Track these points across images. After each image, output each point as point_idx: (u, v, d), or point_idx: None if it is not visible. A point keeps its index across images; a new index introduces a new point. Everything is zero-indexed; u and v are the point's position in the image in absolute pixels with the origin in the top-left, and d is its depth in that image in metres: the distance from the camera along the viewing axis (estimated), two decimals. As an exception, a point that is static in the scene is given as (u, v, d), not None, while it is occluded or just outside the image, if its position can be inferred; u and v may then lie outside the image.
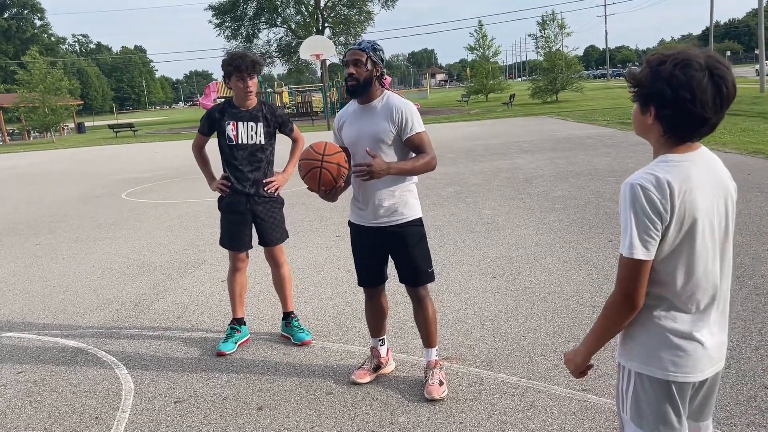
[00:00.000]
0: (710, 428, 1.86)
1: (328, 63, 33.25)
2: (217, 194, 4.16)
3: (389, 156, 3.19)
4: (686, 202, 1.61)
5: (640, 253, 1.61)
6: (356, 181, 3.31)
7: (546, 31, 37.23)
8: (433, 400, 3.25)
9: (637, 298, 1.65)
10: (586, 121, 21.11)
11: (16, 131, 43.16)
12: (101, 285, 5.89)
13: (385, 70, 3.27)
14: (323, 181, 3.12)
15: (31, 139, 40.05)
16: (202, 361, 4.01)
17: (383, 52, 3.26)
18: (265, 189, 4.06)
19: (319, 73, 44.68)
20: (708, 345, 1.70)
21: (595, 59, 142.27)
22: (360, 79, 3.17)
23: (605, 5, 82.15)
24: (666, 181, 1.60)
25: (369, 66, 3.17)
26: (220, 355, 4.05)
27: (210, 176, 4.22)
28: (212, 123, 4.05)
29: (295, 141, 4.31)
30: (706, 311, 1.70)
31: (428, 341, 3.43)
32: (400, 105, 3.20)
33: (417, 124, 3.20)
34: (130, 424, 3.25)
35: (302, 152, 3.19)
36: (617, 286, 1.67)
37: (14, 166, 20.81)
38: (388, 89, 3.33)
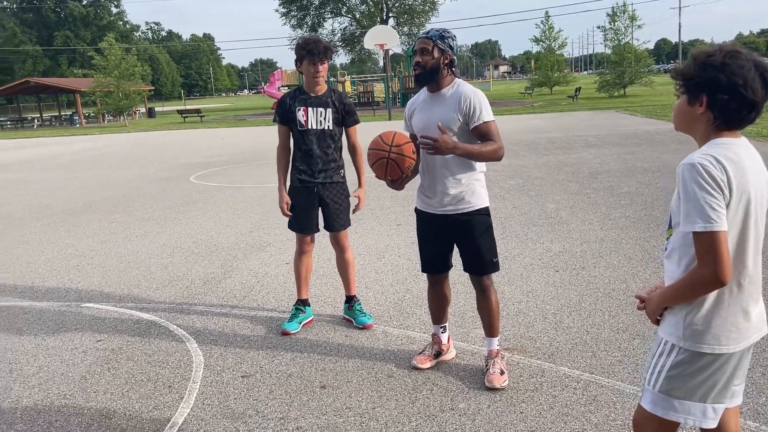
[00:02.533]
0: (741, 394, 1.95)
1: (391, 53, 33.26)
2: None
3: None
4: (740, 180, 1.71)
5: (716, 225, 1.66)
6: (424, 169, 3.35)
7: (616, 23, 36.16)
8: (493, 389, 3.27)
9: (725, 273, 1.68)
10: (655, 116, 20.44)
11: (92, 115, 45.14)
12: (172, 263, 6.14)
13: (455, 57, 3.28)
14: (390, 171, 3.17)
15: (105, 122, 41.82)
16: (267, 338, 4.14)
17: (454, 40, 3.27)
18: (353, 212, 4.27)
19: (381, 63, 44.75)
20: (753, 315, 1.81)
21: (666, 53, 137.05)
22: (426, 67, 3.20)
23: (680, -4, 78.82)
24: (722, 160, 1.70)
25: (435, 54, 3.19)
26: (285, 334, 4.17)
27: (281, 187, 4.24)
28: (285, 110, 4.15)
29: (353, 148, 4.27)
30: (750, 284, 1.80)
31: (490, 330, 3.45)
32: (469, 93, 3.20)
33: (485, 113, 3.19)
34: (200, 395, 3.41)
35: (371, 142, 3.23)
36: (702, 264, 1.71)
37: (91, 148, 21.81)
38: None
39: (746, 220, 1.74)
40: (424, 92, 3.36)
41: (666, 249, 1.92)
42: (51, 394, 3.50)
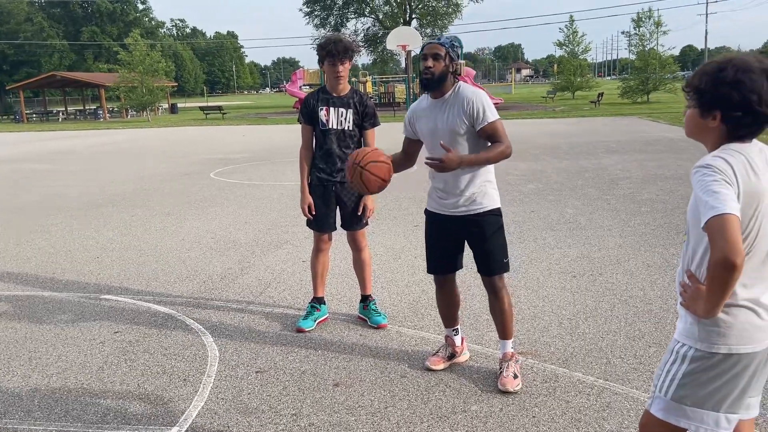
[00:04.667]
0: (758, 407, 1.89)
1: (413, 54, 33.25)
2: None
3: (465, 147, 3.22)
4: (752, 183, 1.70)
5: (724, 208, 1.60)
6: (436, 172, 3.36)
7: (641, 28, 35.82)
8: (506, 392, 3.26)
9: (735, 253, 1.57)
10: (678, 123, 20.18)
11: (116, 109, 45.71)
12: (190, 257, 6.20)
13: (461, 63, 3.30)
14: (369, 185, 3.20)
15: (129, 117, 42.30)
16: (282, 335, 4.17)
17: (462, 49, 3.30)
18: (364, 222, 4.24)
19: (403, 64, 44.80)
20: (766, 316, 1.77)
21: (692, 60, 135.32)
22: (436, 73, 3.20)
23: (707, 3, 77.65)
24: (732, 162, 1.70)
25: (447, 61, 3.20)
26: (300, 331, 4.20)
27: (304, 189, 4.21)
28: (309, 110, 4.17)
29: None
30: (763, 284, 1.78)
31: (504, 333, 3.44)
32: (471, 95, 3.20)
33: (489, 114, 3.19)
34: (214, 389, 3.44)
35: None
36: (713, 250, 1.61)
37: (113, 142, 22.08)
38: (465, 80, 3.35)
39: (761, 220, 1.73)
40: (426, 98, 3.37)
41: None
42: (69, 383, 3.56)
